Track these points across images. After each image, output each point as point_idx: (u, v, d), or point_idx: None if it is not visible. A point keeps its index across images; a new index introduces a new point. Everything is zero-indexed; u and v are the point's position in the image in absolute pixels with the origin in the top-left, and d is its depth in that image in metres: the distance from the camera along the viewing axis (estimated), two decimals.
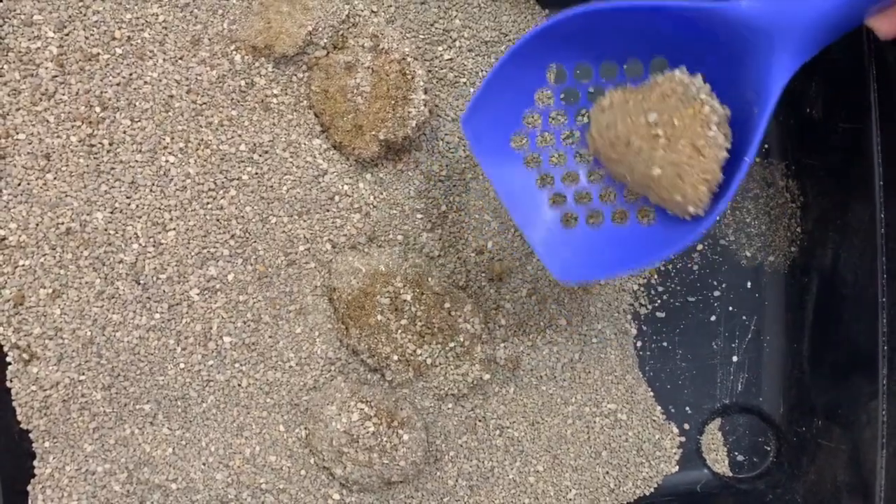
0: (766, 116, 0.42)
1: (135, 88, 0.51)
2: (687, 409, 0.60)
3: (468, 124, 0.48)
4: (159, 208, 0.51)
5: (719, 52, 0.44)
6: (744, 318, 0.60)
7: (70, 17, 0.50)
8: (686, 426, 0.60)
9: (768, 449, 0.60)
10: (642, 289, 0.59)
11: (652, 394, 0.59)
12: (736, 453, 0.60)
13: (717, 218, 0.43)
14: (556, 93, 0.49)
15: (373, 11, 0.53)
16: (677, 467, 0.59)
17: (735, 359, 0.60)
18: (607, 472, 0.58)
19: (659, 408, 0.59)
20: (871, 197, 0.53)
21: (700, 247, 0.60)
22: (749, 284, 0.60)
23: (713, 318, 0.60)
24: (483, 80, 0.48)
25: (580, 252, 0.49)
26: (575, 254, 0.49)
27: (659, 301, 0.59)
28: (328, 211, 0.54)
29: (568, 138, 0.53)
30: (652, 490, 0.58)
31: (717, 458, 0.60)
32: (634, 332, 0.59)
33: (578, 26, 0.45)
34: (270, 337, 0.53)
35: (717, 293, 0.60)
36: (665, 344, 0.60)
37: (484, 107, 0.48)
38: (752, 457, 0.60)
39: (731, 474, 0.60)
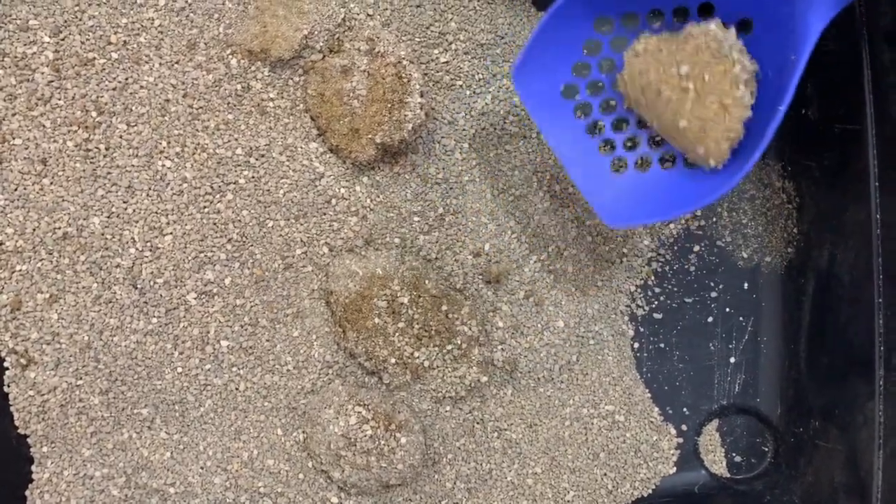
0: (803, 63, 0.42)
1: (131, 93, 0.51)
2: (684, 410, 0.60)
3: (519, 78, 0.49)
4: (156, 212, 0.51)
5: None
6: (741, 319, 0.60)
7: (66, 21, 0.50)
8: (684, 427, 0.60)
9: (766, 450, 0.60)
10: (639, 290, 0.59)
11: (649, 395, 0.59)
12: (733, 454, 0.60)
13: (751, 166, 0.45)
14: (605, 42, 0.50)
15: (368, 15, 0.53)
16: (675, 468, 0.59)
17: (732, 360, 0.60)
18: (605, 474, 0.58)
19: (656, 409, 0.59)
20: (867, 198, 0.53)
21: (697, 248, 0.60)
22: (746, 285, 0.60)
23: (710, 319, 0.60)
24: (532, 31, 0.49)
25: (628, 197, 0.50)
26: (623, 198, 0.50)
27: (656, 302, 0.59)
28: (325, 214, 0.54)
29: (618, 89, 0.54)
30: (650, 491, 0.58)
31: (715, 459, 0.60)
32: (632, 333, 0.59)
33: None
34: (268, 340, 0.53)
35: (713, 294, 0.60)
36: (662, 345, 0.60)
37: (533, 59, 0.49)
38: (750, 458, 0.60)
39: (728, 475, 0.60)
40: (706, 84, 0.44)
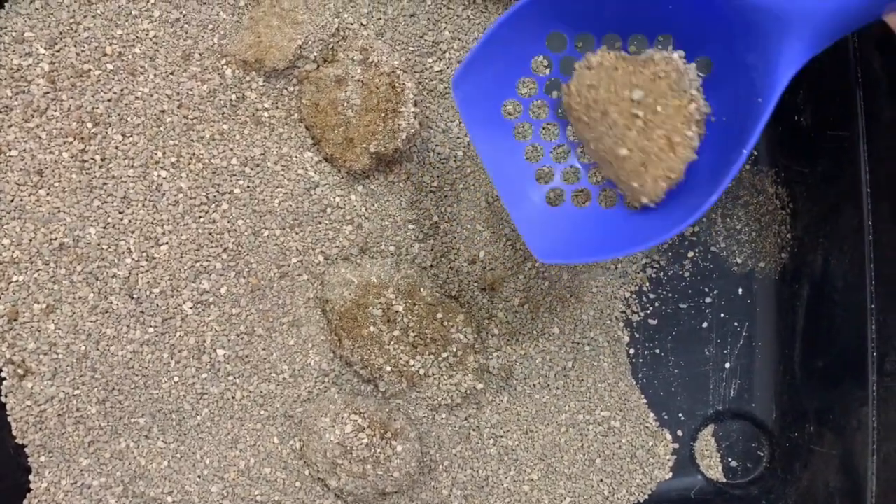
0: (771, 107, 0.40)
1: (126, 104, 0.51)
2: (680, 415, 0.60)
3: (459, 87, 0.45)
4: (152, 223, 0.51)
5: (725, 35, 0.42)
6: (735, 324, 0.60)
7: (61, 33, 0.50)
8: (679, 433, 0.60)
9: (761, 455, 0.60)
10: (634, 296, 0.59)
11: (645, 401, 0.59)
12: (729, 459, 0.60)
13: (704, 214, 0.43)
14: (555, 61, 0.47)
15: (362, 25, 0.54)
16: (671, 474, 0.59)
17: (727, 365, 0.60)
18: (601, 480, 0.58)
19: (652, 415, 0.59)
20: (859, 203, 0.53)
21: (691, 254, 0.60)
22: (740, 291, 0.60)
23: (705, 324, 0.60)
24: (478, 40, 0.45)
25: (563, 232, 0.47)
26: (557, 233, 0.47)
27: (651, 308, 0.60)
28: (320, 223, 0.54)
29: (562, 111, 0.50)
30: (646, 497, 0.59)
31: (711, 465, 0.60)
32: (627, 339, 0.59)
33: None
34: (264, 349, 0.53)
35: (708, 300, 0.60)
36: (658, 351, 0.60)
37: (477, 70, 0.45)
38: (746, 462, 0.60)
39: (724, 480, 0.60)
40: (657, 115, 0.41)
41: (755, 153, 0.60)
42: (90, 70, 0.51)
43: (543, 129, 0.50)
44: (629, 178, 0.43)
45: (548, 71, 0.48)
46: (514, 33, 0.45)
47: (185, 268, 0.52)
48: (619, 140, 0.43)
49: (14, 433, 0.51)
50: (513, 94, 0.48)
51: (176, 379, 0.52)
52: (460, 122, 0.56)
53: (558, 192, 0.49)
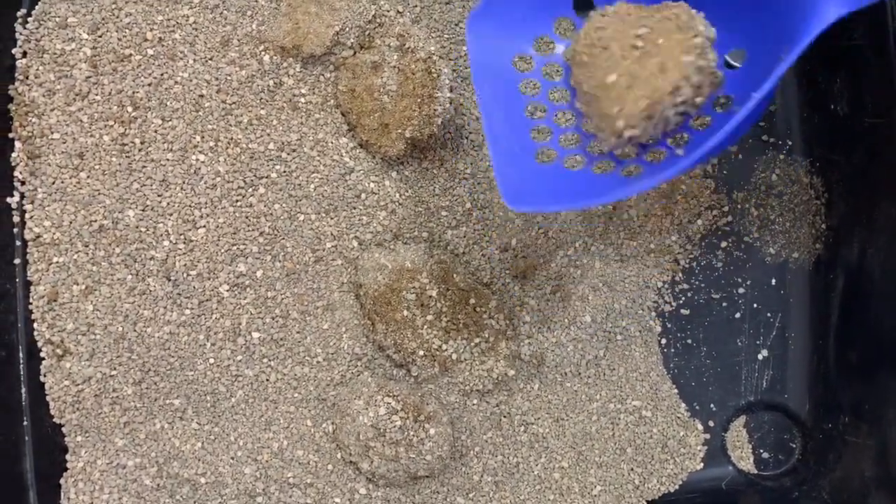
0: (789, 62, 0.38)
1: (166, 88, 0.52)
2: (712, 406, 0.60)
3: (473, 27, 0.44)
4: (189, 206, 0.52)
5: None
6: (769, 315, 0.60)
7: (103, 19, 0.51)
8: (711, 423, 0.59)
9: (794, 446, 0.60)
10: (667, 286, 0.59)
11: (676, 391, 0.59)
12: (761, 450, 0.60)
13: (693, 164, 0.39)
14: (578, 23, 0.46)
15: (398, 12, 0.54)
16: (702, 464, 0.59)
17: (760, 356, 0.60)
18: (632, 469, 0.58)
19: (683, 405, 0.59)
20: None
21: (724, 244, 0.60)
22: (773, 281, 0.60)
23: (738, 315, 0.60)
24: None
25: (542, 184, 0.45)
26: (535, 184, 0.45)
27: (683, 298, 0.59)
28: (355, 208, 0.54)
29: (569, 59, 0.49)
30: (677, 487, 0.58)
31: (743, 456, 0.59)
32: (659, 329, 0.59)
33: None
34: (298, 332, 0.54)
35: (741, 290, 0.60)
36: (690, 341, 0.60)
37: (497, 12, 0.44)
38: (778, 454, 0.60)
39: (756, 471, 0.60)
40: (657, 47, 0.40)
41: (790, 143, 0.60)
42: (131, 55, 0.51)
43: (552, 92, 0.49)
44: (611, 105, 0.41)
45: (571, 30, 0.47)
46: None
47: (222, 251, 0.52)
48: (611, 69, 0.41)
49: (52, 412, 0.52)
50: (528, 47, 0.46)
51: (211, 361, 0.53)
52: None
53: (549, 152, 0.47)
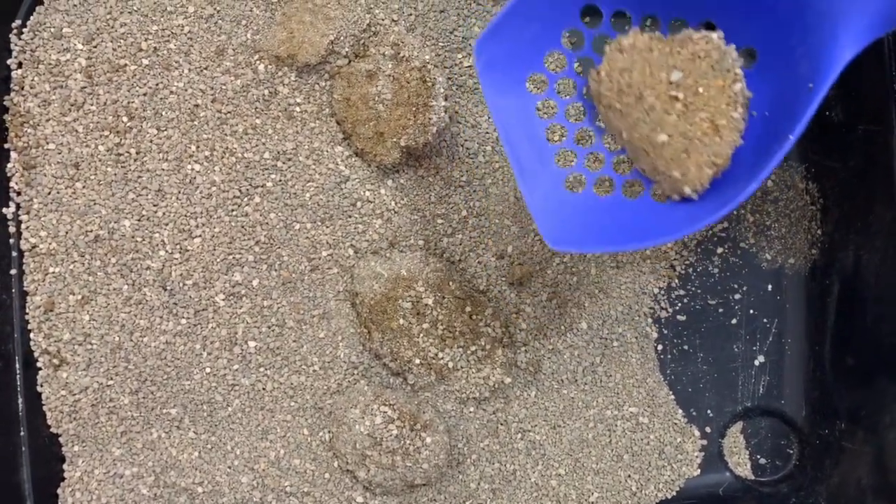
0: (822, 94, 0.37)
1: (161, 98, 0.52)
2: (708, 412, 0.60)
3: (482, 52, 0.42)
4: (185, 215, 0.52)
5: (773, 19, 0.39)
6: (765, 320, 0.60)
7: (98, 29, 0.51)
8: (708, 429, 0.59)
9: (791, 452, 0.60)
10: (663, 292, 0.59)
11: (673, 397, 0.59)
12: (758, 456, 0.60)
13: (736, 206, 0.38)
14: (589, 37, 0.44)
15: (393, 20, 0.54)
16: (699, 470, 0.59)
17: (756, 362, 0.60)
18: (629, 476, 0.58)
19: (680, 411, 0.59)
20: (892, 198, 0.53)
21: (720, 250, 0.60)
22: (770, 287, 0.60)
23: (734, 321, 0.60)
24: (506, 4, 0.42)
25: (579, 219, 0.43)
26: (573, 220, 0.43)
27: (679, 304, 0.60)
28: (350, 217, 0.54)
29: (588, 93, 0.47)
30: (674, 493, 0.58)
31: (740, 462, 0.59)
32: (655, 335, 0.59)
33: None
34: (294, 341, 0.54)
35: (737, 296, 0.60)
36: (686, 347, 0.60)
37: (503, 36, 0.42)
38: (775, 460, 0.60)
39: (753, 477, 0.60)
40: (699, 97, 0.38)
41: None
42: (126, 65, 0.51)
43: (569, 109, 0.47)
44: (669, 167, 0.40)
45: (581, 46, 0.45)
46: (547, 1, 0.42)
47: (218, 260, 0.52)
48: (656, 126, 0.40)
49: (49, 422, 0.52)
50: (540, 66, 0.45)
51: (208, 370, 0.53)
52: (489, 118, 0.56)
53: (579, 177, 0.46)
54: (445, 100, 0.52)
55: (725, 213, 0.39)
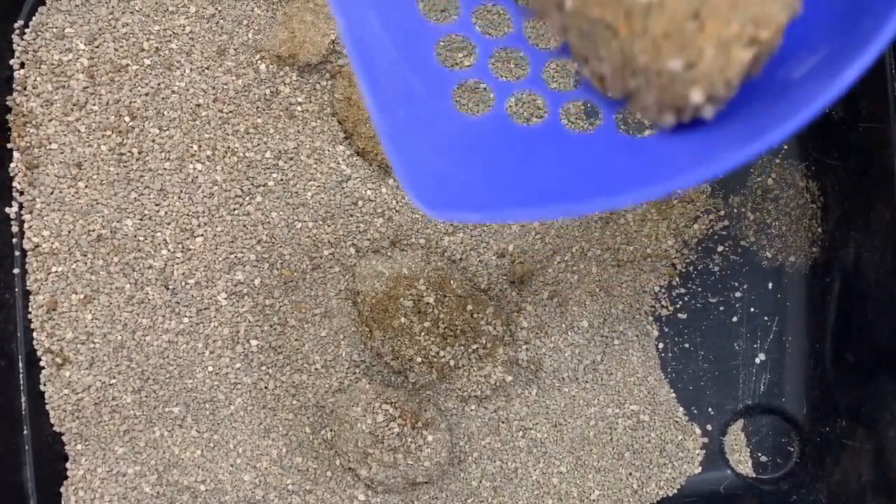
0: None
1: (163, 98, 0.52)
2: (709, 410, 0.60)
3: None
4: (187, 215, 0.52)
5: None
6: (765, 318, 0.60)
7: (100, 29, 0.51)
8: (709, 427, 0.60)
9: (792, 450, 0.60)
10: (663, 290, 0.59)
11: (674, 395, 0.59)
12: (759, 454, 0.60)
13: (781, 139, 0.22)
14: None
15: None
16: (700, 468, 0.59)
17: (757, 360, 0.60)
18: (630, 474, 0.58)
19: (681, 409, 0.59)
20: (892, 196, 0.53)
21: (720, 248, 0.60)
22: (770, 285, 0.60)
23: (735, 319, 0.60)
24: None
25: (478, 164, 0.26)
26: (466, 164, 0.26)
27: (680, 302, 0.60)
28: (352, 216, 0.54)
29: None
30: (675, 491, 0.58)
31: (741, 459, 0.60)
32: (656, 333, 0.59)
33: None
34: (296, 340, 0.54)
35: (738, 294, 0.60)
36: (687, 345, 0.60)
37: None
38: (776, 457, 0.60)
39: (754, 475, 0.60)
40: None
41: (784, 147, 0.60)
42: (128, 65, 0.52)
43: None
44: (662, 52, 0.22)
45: None
46: None
47: (220, 259, 0.53)
48: None
49: (52, 421, 0.52)
50: None
51: (210, 369, 0.53)
52: None
53: (478, 90, 0.31)
54: None
55: (762, 146, 0.22)
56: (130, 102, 0.52)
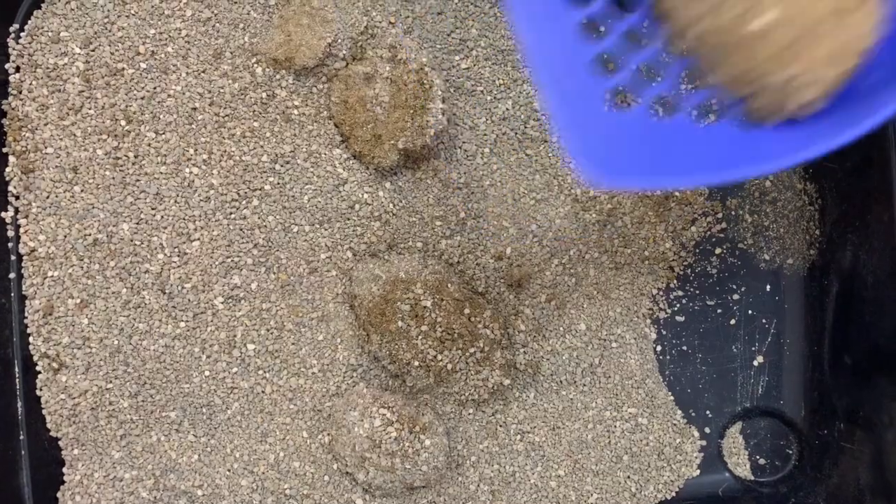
0: None
1: (159, 102, 0.52)
2: (707, 412, 0.60)
3: None
4: (184, 219, 0.52)
5: None
6: (763, 321, 0.60)
7: (96, 33, 0.51)
8: (707, 430, 0.60)
9: (790, 452, 0.60)
10: (661, 293, 0.59)
11: (672, 398, 0.59)
12: (757, 457, 0.60)
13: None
14: None
15: (390, 23, 0.54)
16: (699, 471, 0.59)
17: (755, 362, 0.60)
18: (628, 477, 0.58)
19: (679, 412, 0.59)
20: (890, 199, 0.53)
21: (718, 251, 0.60)
22: (768, 287, 0.60)
23: (733, 321, 0.60)
24: None
25: (624, 148, 0.33)
26: (617, 149, 0.33)
27: (678, 305, 0.60)
28: (348, 219, 0.54)
29: None
30: (673, 494, 0.58)
31: (739, 462, 0.60)
32: (654, 336, 0.59)
33: None
34: (293, 344, 0.54)
35: (736, 297, 0.60)
36: (685, 348, 0.60)
37: None
38: (774, 460, 0.60)
39: (752, 478, 0.60)
40: None
41: None
42: (124, 69, 0.51)
43: None
44: (772, 66, 0.28)
45: None
46: None
47: (217, 263, 0.52)
48: (754, 4, 0.27)
49: (48, 426, 0.52)
50: None
51: (207, 373, 0.53)
52: (487, 119, 0.56)
53: (627, 92, 0.36)
54: (443, 102, 0.52)
55: (857, 132, 0.28)
56: (126, 106, 0.51)
